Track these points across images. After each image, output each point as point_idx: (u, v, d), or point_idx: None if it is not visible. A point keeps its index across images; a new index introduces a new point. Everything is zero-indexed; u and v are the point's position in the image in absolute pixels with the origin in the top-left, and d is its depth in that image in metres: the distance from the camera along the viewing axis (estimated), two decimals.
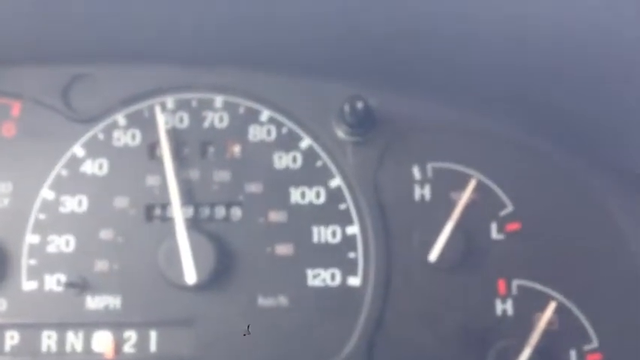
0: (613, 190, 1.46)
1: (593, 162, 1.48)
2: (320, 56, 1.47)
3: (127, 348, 1.46)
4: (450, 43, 1.37)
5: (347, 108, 1.41)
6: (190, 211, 1.48)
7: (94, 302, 1.46)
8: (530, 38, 1.31)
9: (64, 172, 1.51)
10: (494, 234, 1.45)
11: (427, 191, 1.47)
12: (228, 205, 1.49)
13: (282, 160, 1.50)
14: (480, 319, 1.42)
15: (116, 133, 1.53)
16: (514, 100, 1.46)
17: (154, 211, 1.50)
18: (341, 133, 1.48)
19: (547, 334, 1.39)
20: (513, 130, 1.50)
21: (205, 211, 1.49)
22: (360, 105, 1.40)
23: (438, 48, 1.38)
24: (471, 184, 1.46)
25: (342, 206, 1.48)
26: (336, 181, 1.49)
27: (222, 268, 1.44)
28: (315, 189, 1.49)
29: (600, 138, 1.45)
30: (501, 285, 1.43)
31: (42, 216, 1.49)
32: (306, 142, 1.51)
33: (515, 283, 1.43)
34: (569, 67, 1.34)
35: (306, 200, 1.48)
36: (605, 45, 1.25)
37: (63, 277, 1.46)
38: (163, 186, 1.48)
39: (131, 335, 1.46)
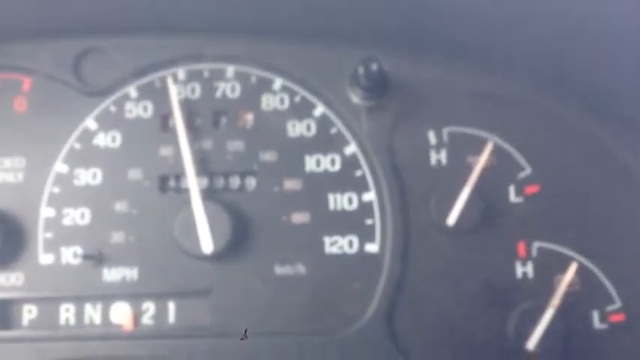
0: (634, 149, 1.44)
1: (612, 121, 1.46)
2: (331, 21, 1.45)
3: (146, 319, 1.46)
4: (463, 3, 1.35)
5: (361, 70, 1.39)
6: (205, 181, 1.48)
7: (110, 274, 1.45)
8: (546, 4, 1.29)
9: (77, 146, 1.50)
10: (513, 197, 1.44)
11: (443, 156, 1.46)
12: (243, 175, 1.49)
13: (296, 128, 1.49)
14: (501, 282, 1.41)
15: (128, 105, 1.52)
16: (530, 62, 1.44)
17: (168, 182, 1.49)
18: (355, 98, 1.46)
19: (569, 295, 1.38)
20: (529, 93, 1.48)
21: (220, 181, 1.49)
22: (374, 67, 1.39)
23: (452, 9, 1.36)
24: (488, 148, 1.44)
25: (358, 173, 1.47)
26: (351, 148, 1.48)
27: (239, 238, 1.43)
28: (329, 156, 1.48)
29: (620, 97, 1.42)
30: (521, 247, 1.42)
31: (56, 189, 1.49)
32: (319, 110, 1.49)
33: (535, 245, 1.42)
34: (585, 26, 1.32)
35: (321, 168, 1.47)
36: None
37: (79, 250, 1.46)
38: (177, 157, 1.47)
39: (149, 306, 1.46)
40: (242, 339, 1.40)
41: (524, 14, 1.35)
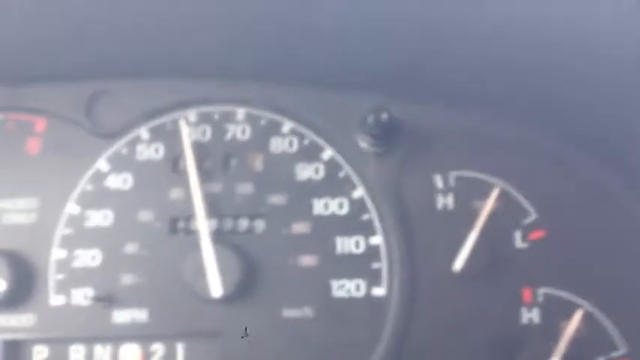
0: (639, 196, 1.45)
1: (618, 169, 1.47)
2: (340, 66, 1.47)
3: None
4: (472, 49, 1.37)
5: (371, 119, 1.41)
6: (214, 223, 1.49)
7: (120, 316, 1.47)
8: (554, 44, 1.31)
9: (89, 187, 1.52)
10: (519, 242, 1.45)
11: (450, 200, 1.47)
12: (252, 217, 1.50)
13: (305, 172, 1.51)
14: (506, 328, 1.41)
15: (139, 147, 1.54)
16: (539, 108, 1.45)
17: (178, 224, 1.50)
18: (363, 144, 1.48)
19: (574, 342, 1.38)
20: (536, 138, 1.50)
21: (229, 224, 1.50)
22: (384, 116, 1.40)
23: (460, 56, 1.38)
24: (494, 193, 1.45)
25: (366, 217, 1.48)
26: (359, 192, 1.49)
27: (247, 281, 1.45)
28: (338, 200, 1.49)
29: (626, 145, 1.43)
30: (527, 293, 1.43)
31: (68, 231, 1.50)
32: (328, 153, 1.51)
33: (540, 291, 1.42)
34: (596, 72, 1.33)
35: (329, 211, 1.49)
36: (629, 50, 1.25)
37: (90, 292, 1.47)
38: (187, 199, 1.49)
39: (158, 348, 1.47)
40: None
41: (534, 61, 1.36)
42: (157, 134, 1.54)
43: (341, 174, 1.50)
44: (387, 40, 1.38)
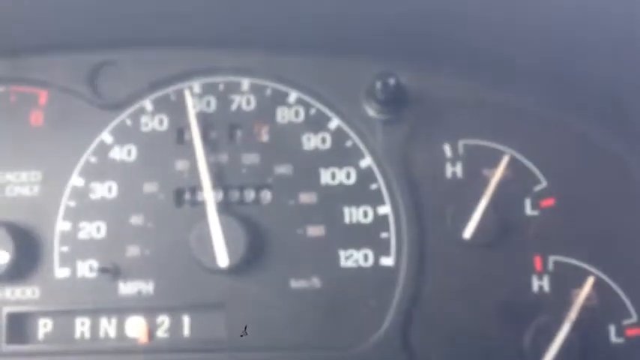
0: None
1: (628, 135, 1.45)
2: (347, 34, 1.45)
3: (161, 333, 1.46)
4: (480, 16, 1.35)
5: (379, 85, 1.40)
6: (220, 194, 1.48)
7: (126, 288, 1.45)
8: (565, 10, 1.29)
9: (93, 159, 1.51)
10: (529, 210, 1.44)
11: (459, 169, 1.46)
12: (258, 188, 1.49)
13: (311, 142, 1.49)
14: (517, 296, 1.40)
15: (144, 119, 1.52)
16: (547, 75, 1.44)
17: (183, 196, 1.49)
18: (371, 111, 1.47)
19: (585, 309, 1.37)
20: (546, 106, 1.48)
21: (235, 195, 1.49)
22: (392, 81, 1.39)
23: (470, 22, 1.36)
24: (504, 161, 1.44)
25: (373, 186, 1.47)
26: (366, 161, 1.48)
27: (254, 251, 1.43)
28: (345, 169, 1.48)
29: (636, 112, 1.42)
30: (537, 261, 1.42)
31: (72, 203, 1.49)
32: (334, 123, 1.50)
33: (551, 259, 1.41)
34: (607, 39, 1.31)
35: (337, 181, 1.47)
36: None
37: (95, 264, 1.46)
38: (192, 170, 1.47)
39: (164, 320, 1.46)
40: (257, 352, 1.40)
41: (543, 27, 1.34)
42: (161, 105, 1.52)
43: (348, 143, 1.49)
44: (394, 5, 1.36)
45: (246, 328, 1.42)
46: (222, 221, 1.42)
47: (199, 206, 1.46)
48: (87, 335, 1.46)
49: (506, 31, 1.38)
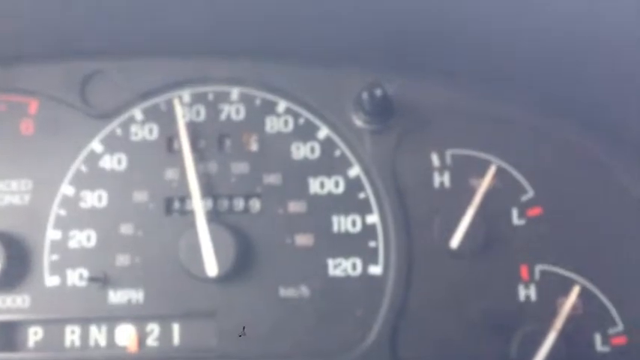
0: (635, 172, 1.45)
1: (614, 145, 1.46)
2: (336, 44, 1.46)
3: (150, 341, 1.46)
4: (468, 27, 1.36)
5: (365, 96, 1.41)
6: (209, 203, 1.49)
7: (116, 296, 1.46)
8: (548, 23, 1.30)
9: (84, 168, 1.51)
10: (516, 219, 1.45)
11: (446, 178, 1.47)
12: (247, 197, 1.49)
13: (300, 151, 1.50)
14: (504, 305, 1.41)
15: (134, 128, 1.53)
16: (533, 85, 1.45)
17: (173, 205, 1.50)
18: (359, 122, 1.47)
19: (571, 318, 1.38)
20: (532, 116, 1.49)
21: (224, 204, 1.49)
22: (378, 92, 1.40)
23: (455, 33, 1.37)
24: (491, 170, 1.45)
25: (362, 195, 1.48)
26: (354, 170, 1.48)
27: (243, 260, 1.44)
28: (333, 178, 1.48)
29: (623, 122, 1.43)
30: (524, 270, 1.43)
31: (62, 212, 1.50)
32: (323, 132, 1.50)
33: (537, 268, 1.42)
34: (593, 48, 1.32)
35: (325, 190, 1.48)
36: (622, 27, 1.24)
37: (85, 272, 1.47)
38: (182, 179, 1.48)
39: (154, 328, 1.47)
40: None
41: (527, 37, 1.35)
42: (151, 115, 1.53)
43: (337, 153, 1.50)
44: (381, 16, 1.37)
45: (239, 335, 1.43)
46: (212, 230, 1.42)
47: (189, 215, 1.47)
48: (77, 343, 1.47)
49: (493, 41, 1.39)
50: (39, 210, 1.50)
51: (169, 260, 1.45)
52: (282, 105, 1.52)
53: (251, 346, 1.43)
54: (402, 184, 1.47)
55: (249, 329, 1.43)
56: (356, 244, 1.46)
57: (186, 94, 1.53)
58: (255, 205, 1.49)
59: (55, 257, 1.48)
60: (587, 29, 1.27)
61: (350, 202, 1.47)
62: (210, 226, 1.42)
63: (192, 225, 1.43)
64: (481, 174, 1.45)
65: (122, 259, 1.47)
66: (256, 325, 1.43)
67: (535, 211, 1.45)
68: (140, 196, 1.50)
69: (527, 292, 1.42)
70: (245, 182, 1.49)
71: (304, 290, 1.45)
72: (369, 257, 1.45)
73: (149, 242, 1.48)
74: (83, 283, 1.46)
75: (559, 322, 1.37)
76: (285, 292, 1.45)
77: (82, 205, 1.50)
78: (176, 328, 1.46)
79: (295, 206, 1.48)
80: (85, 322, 1.47)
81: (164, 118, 1.52)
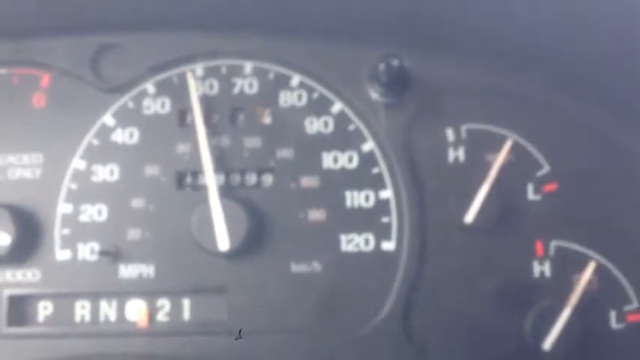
0: None
1: (630, 121, 1.45)
2: (351, 18, 1.45)
3: (161, 316, 1.46)
4: (484, 4, 1.35)
5: (382, 66, 1.39)
6: (222, 178, 1.47)
7: (127, 271, 1.45)
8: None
9: (95, 142, 1.50)
10: (531, 195, 1.43)
11: (461, 153, 1.45)
12: (260, 172, 1.48)
13: (314, 125, 1.49)
14: (518, 281, 1.40)
15: (146, 102, 1.52)
16: (550, 60, 1.43)
17: (185, 179, 1.49)
18: (374, 94, 1.46)
19: (586, 294, 1.37)
20: (549, 91, 1.48)
21: (236, 178, 1.48)
22: (395, 63, 1.38)
23: (473, 7, 1.36)
24: (507, 145, 1.44)
25: (375, 170, 1.46)
26: (368, 145, 1.47)
27: (255, 235, 1.43)
28: (347, 153, 1.47)
29: (637, 97, 1.42)
30: (539, 246, 1.41)
31: (74, 185, 1.49)
32: (337, 107, 1.49)
33: (553, 244, 1.41)
34: (605, 25, 1.31)
35: (339, 165, 1.47)
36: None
37: (96, 246, 1.46)
38: (194, 153, 1.47)
39: (164, 303, 1.46)
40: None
41: (546, 12, 1.34)
42: (163, 88, 1.52)
43: (351, 127, 1.48)
44: None
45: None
46: (224, 205, 1.41)
47: (201, 190, 1.46)
48: (87, 318, 1.46)
49: (509, 16, 1.37)
50: (50, 184, 1.49)
51: (181, 235, 1.44)
52: (295, 79, 1.51)
53: (262, 321, 1.42)
54: (416, 159, 1.45)
55: (260, 304, 1.42)
56: (369, 220, 1.44)
57: (199, 68, 1.52)
58: (268, 179, 1.48)
59: (66, 231, 1.47)
60: (608, 12, 1.25)
61: (363, 177, 1.46)
62: (222, 201, 1.41)
63: (204, 200, 1.42)
64: (496, 149, 1.44)
65: (133, 234, 1.46)
66: (268, 301, 1.43)
67: (551, 187, 1.43)
68: (152, 171, 1.49)
69: (541, 268, 1.40)
70: (258, 157, 1.48)
71: (316, 265, 1.44)
72: (382, 233, 1.44)
73: (160, 217, 1.47)
74: (94, 257, 1.46)
75: (574, 298, 1.36)
76: (297, 267, 1.44)
77: (94, 178, 1.49)
78: (187, 303, 1.45)
79: (308, 181, 1.47)
80: (95, 296, 1.46)
81: (177, 91, 1.51)
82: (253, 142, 1.49)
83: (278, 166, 1.48)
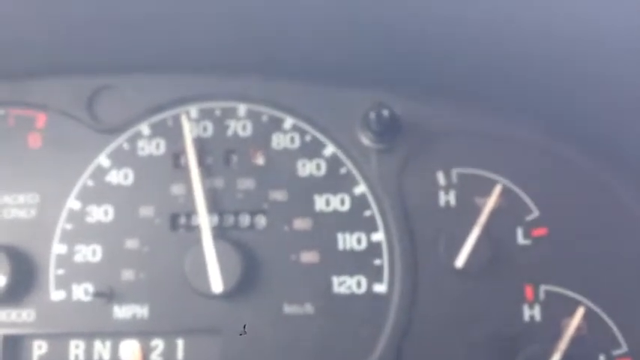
0: None
1: (619, 167, 1.47)
2: (343, 63, 1.47)
3: (155, 357, 1.47)
4: (476, 49, 1.37)
5: (373, 115, 1.41)
6: (215, 219, 1.49)
7: (121, 311, 1.46)
8: (556, 40, 1.30)
9: (90, 183, 1.52)
10: (521, 239, 1.45)
11: (452, 197, 1.47)
12: (253, 213, 1.50)
13: (306, 168, 1.51)
14: (508, 325, 1.41)
15: (141, 143, 1.53)
16: (540, 106, 1.45)
17: (178, 220, 1.50)
18: (365, 140, 1.48)
19: (576, 339, 1.38)
20: (538, 136, 1.49)
21: (230, 220, 1.50)
22: (386, 112, 1.40)
23: (463, 53, 1.38)
24: (497, 190, 1.45)
25: (367, 213, 1.48)
26: (360, 188, 1.49)
27: (248, 277, 1.44)
28: (339, 196, 1.49)
29: (627, 143, 1.43)
30: (529, 290, 1.43)
31: (69, 226, 1.50)
32: (329, 150, 1.51)
33: (542, 288, 1.42)
34: (597, 71, 1.33)
35: (331, 207, 1.49)
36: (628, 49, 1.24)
37: (90, 287, 1.47)
38: (188, 195, 1.49)
39: (158, 344, 1.47)
40: None
41: (536, 61, 1.36)
42: (158, 130, 1.54)
43: (342, 170, 1.50)
44: (388, 38, 1.37)
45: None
46: (217, 246, 1.43)
47: (194, 231, 1.47)
48: (81, 358, 1.47)
49: (500, 63, 1.39)
50: (45, 224, 1.50)
51: (174, 276, 1.45)
52: (288, 122, 1.53)
53: None
54: (407, 203, 1.47)
55: (254, 346, 1.43)
56: (361, 262, 1.46)
57: (193, 110, 1.54)
58: (261, 221, 1.49)
59: (60, 271, 1.48)
60: (591, 54, 1.27)
61: (355, 219, 1.47)
62: (215, 243, 1.43)
63: (197, 241, 1.44)
64: (487, 193, 1.45)
65: (127, 274, 1.47)
66: (260, 342, 1.44)
67: (540, 232, 1.45)
68: (146, 212, 1.50)
69: (531, 313, 1.42)
70: (251, 198, 1.50)
71: (309, 307, 1.45)
72: (374, 275, 1.45)
73: (154, 258, 1.48)
74: (88, 298, 1.47)
75: (563, 344, 1.37)
76: (290, 308, 1.45)
77: (88, 219, 1.50)
78: (180, 344, 1.47)
79: (301, 223, 1.48)
80: (89, 336, 1.47)
81: (171, 133, 1.53)
82: (247, 184, 1.50)
83: (271, 208, 1.49)
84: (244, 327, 1.43)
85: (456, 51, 1.39)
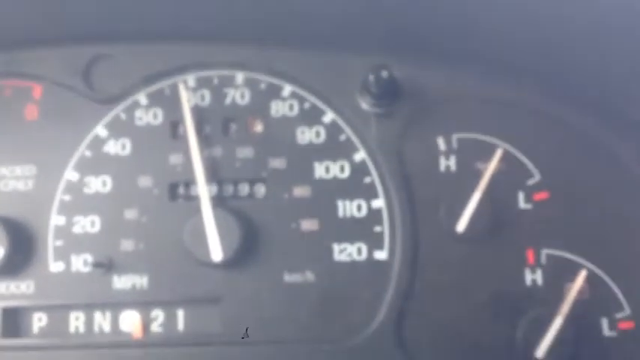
0: None
1: (621, 129, 1.45)
2: (341, 28, 1.45)
3: (155, 327, 1.46)
4: (474, 10, 1.35)
5: (372, 78, 1.40)
6: (214, 188, 1.48)
7: (120, 282, 1.46)
8: (554, 9, 1.29)
9: (88, 153, 1.51)
10: (522, 203, 1.44)
11: (453, 162, 1.46)
12: (252, 182, 1.49)
13: (305, 135, 1.49)
14: (510, 289, 1.41)
15: (138, 113, 1.52)
16: (540, 69, 1.44)
17: (177, 190, 1.49)
18: (365, 105, 1.47)
19: (578, 303, 1.37)
20: (538, 99, 1.48)
21: (229, 189, 1.49)
22: (385, 74, 1.39)
23: (463, 16, 1.36)
24: (497, 154, 1.44)
25: (367, 180, 1.47)
26: (360, 155, 1.48)
27: (248, 245, 1.43)
28: (339, 163, 1.48)
29: (629, 104, 1.42)
30: (530, 255, 1.42)
31: (67, 197, 1.49)
32: (329, 116, 1.50)
33: (544, 252, 1.42)
34: (596, 31, 1.31)
35: (331, 174, 1.47)
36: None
37: (89, 258, 1.46)
38: (186, 164, 1.47)
39: (158, 314, 1.46)
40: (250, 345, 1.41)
41: (534, 20, 1.34)
42: (155, 99, 1.52)
43: (342, 137, 1.49)
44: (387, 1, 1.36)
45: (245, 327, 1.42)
46: (216, 215, 1.42)
47: (193, 200, 1.46)
48: (81, 329, 1.46)
49: (498, 24, 1.38)
50: (43, 195, 1.49)
51: (174, 246, 1.44)
52: (287, 89, 1.51)
53: (256, 331, 1.42)
54: (407, 169, 1.46)
55: (254, 315, 1.43)
56: (361, 229, 1.45)
57: (191, 79, 1.53)
58: (260, 189, 1.48)
59: (59, 243, 1.47)
60: (594, 17, 1.25)
61: (355, 186, 1.46)
62: (215, 212, 1.42)
63: (197, 210, 1.42)
64: (487, 158, 1.44)
65: (126, 245, 1.47)
66: (261, 311, 1.43)
67: (542, 195, 1.44)
68: (145, 182, 1.49)
69: (533, 277, 1.41)
70: (250, 167, 1.49)
71: (309, 275, 1.44)
72: (375, 242, 1.44)
73: (153, 227, 1.47)
74: (87, 269, 1.46)
75: (566, 307, 1.36)
76: (290, 277, 1.44)
77: (86, 190, 1.49)
78: (181, 313, 1.46)
79: (300, 191, 1.47)
80: (89, 307, 1.47)
81: (169, 102, 1.52)
82: (245, 153, 1.49)
83: (270, 176, 1.48)
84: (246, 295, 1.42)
85: (458, 14, 1.38)
